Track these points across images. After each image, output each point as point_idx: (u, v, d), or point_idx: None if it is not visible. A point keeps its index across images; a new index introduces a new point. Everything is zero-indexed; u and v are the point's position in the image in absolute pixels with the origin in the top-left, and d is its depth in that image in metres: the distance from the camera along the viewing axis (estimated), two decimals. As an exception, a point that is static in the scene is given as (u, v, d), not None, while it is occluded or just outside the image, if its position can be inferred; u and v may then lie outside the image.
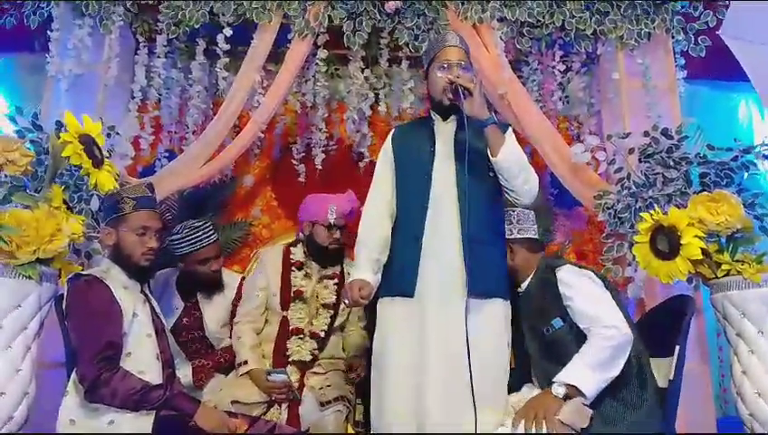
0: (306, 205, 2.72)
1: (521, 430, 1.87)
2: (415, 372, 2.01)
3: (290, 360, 2.50)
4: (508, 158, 2.02)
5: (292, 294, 2.60)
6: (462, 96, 1.99)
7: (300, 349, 2.53)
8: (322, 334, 2.57)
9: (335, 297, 2.63)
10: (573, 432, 1.84)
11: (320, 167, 3.06)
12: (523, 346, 2.18)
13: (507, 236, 2.18)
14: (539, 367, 2.09)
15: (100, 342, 1.87)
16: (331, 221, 2.59)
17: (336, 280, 2.66)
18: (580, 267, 2.13)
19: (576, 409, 1.86)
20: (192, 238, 2.58)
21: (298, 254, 2.68)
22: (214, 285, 2.70)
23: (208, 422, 1.90)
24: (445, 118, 2.17)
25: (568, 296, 2.02)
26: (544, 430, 1.84)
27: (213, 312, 2.69)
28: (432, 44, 2.21)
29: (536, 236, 2.22)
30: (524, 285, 2.19)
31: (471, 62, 2.18)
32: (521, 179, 2.05)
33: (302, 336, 2.55)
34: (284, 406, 2.38)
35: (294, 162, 3.20)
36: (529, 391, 2.07)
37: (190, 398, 1.99)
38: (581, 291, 2.02)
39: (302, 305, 2.60)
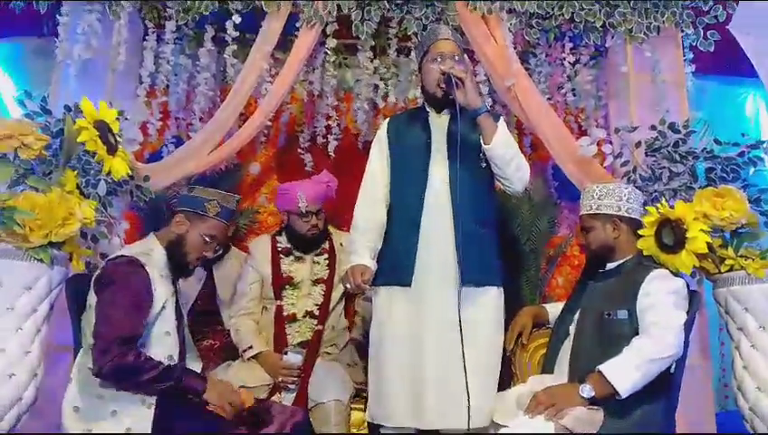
0: (278, 195, 2.75)
1: (539, 417, 1.86)
2: (413, 361, 2.07)
3: (292, 344, 2.52)
4: (500, 145, 2.06)
5: (282, 282, 2.62)
6: (455, 86, 2.03)
7: (298, 332, 2.56)
8: (317, 311, 2.59)
9: (328, 271, 2.66)
10: None
11: (333, 154, 3.07)
12: (561, 327, 2.18)
13: (615, 212, 2.13)
14: (579, 349, 2.06)
15: (126, 326, 1.86)
16: (302, 209, 2.58)
17: (326, 255, 2.70)
18: (674, 274, 2.09)
19: (585, 418, 1.85)
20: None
21: (284, 242, 2.71)
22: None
23: (217, 397, 1.89)
24: (439, 111, 2.21)
25: (644, 295, 1.99)
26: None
27: (223, 284, 2.76)
28: (425, 38, 2.26)
29: (640, 219, 2.18)
30: (611, 266, 2.15)
31: (464, 55, 2.21)
32: (513, 166, 2.10)
33: (296, 320, 2.58)
34: (293, 387, 2.41)
35: (301, 151, 3.20)
36: (539, 383, 2.07)
37: (197, 375, 1.98)
38: (661, 296, 1.98)
39: (292, 292, 2.62)
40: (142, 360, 1.83)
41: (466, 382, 1.96)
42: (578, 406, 1.87)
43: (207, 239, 2.02)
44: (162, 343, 1.96)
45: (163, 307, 1.96)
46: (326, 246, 2.71)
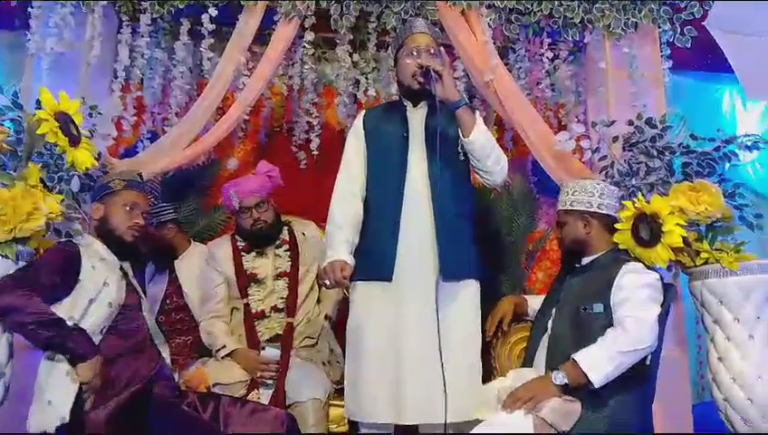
0: (221, 197, 2.72)
1: (518, 412, 1.87)
2: (392, 356, 2.05)
3: (263, 340, 2.51)
4: (480, 138, 2.05)
5: (247, 279, 2.59)
6: (433, 80, 2.01)
7: (268, 329, 2.54)
8: (282, 305, 2.57)
9: (290, 263, 2.62)
10: (554, 432, 1.84)
11: (315, 151, 3.04)
12: (541, 321, 2.20)
13: (586, 209, 2.16)
14: (556, 343, 2.08)
15: (29, 275, 1.90)
16: (236, 206, 2.58)
17: (287, 246, 2.66)
18: (648, 268, 2.11)
19: (561, 409, 1.87)
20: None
21: (242, 240, 2.68)
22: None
23: (87, 372, 1.88)
24: (415, 103, 2.20)
25: (618, 289, 2.01)
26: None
27: (188, 281, 2.75)
28: (401, 31, 2.25)
29: (616, 215, 2.20)
30: (586, 260, 2.18)
31: (440, 48, 2.19)
32: (492, 159, 2.09)
33: (265, 316, 2.56)
34: (270, 383, 2.39)
35: (294, 148, 3.19)
36: (518, 377, 2.08)
37: (92, 344, 1.92)
38: (634, 290, 2.00)
39: (258, 288, 2.59)
40: (31, 302, 1.85)
41: (443, 376, 1.94)
42: (554, 396, 1.88)
43: (128, 207, 2.10)
44: (100, 313, 1.98)
45: (106, 283, 2.01)
46: (286, 237, 2.68)
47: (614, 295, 2.01)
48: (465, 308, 2.12)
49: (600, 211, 2.17)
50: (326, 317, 2.69)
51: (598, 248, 2.17)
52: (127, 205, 2.10)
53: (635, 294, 1.99)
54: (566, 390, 1.91)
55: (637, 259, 2.15)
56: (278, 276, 2.61)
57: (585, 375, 1.88)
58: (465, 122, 2.05)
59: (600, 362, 1.89)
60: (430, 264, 2.08)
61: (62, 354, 1.87)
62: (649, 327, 1.94)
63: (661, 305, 2.03)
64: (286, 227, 2.71)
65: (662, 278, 2.12)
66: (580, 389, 1.90)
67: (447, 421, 1.94)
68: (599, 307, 2.02)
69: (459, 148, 2.11)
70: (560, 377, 1.90)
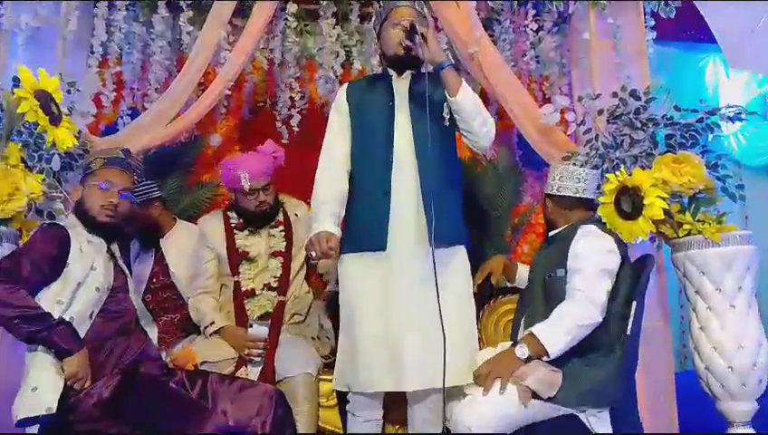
0: (222, 171, 2.65)
1: (496, 388, 1.90)
2: (388, 325, 2.06)
3: (252, 318, 2.51)
4: (467, 97, 2.05)
5: (238, 257, 2.58)
6: (418, 44, 2.01)
7: (259, 306, 2.54)
8: (275, 283, 2.57)
9: (285, 243, 2.62)
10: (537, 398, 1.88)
11: (296, 128, 3.02)
12: (525, 294, 2.26)
13: (549, 191, 2.26)
14: (533, 314, 2.12)
15: (13, 263, 1.86)
16: (246, 187, 2.52)
17: (281, 227, 2.65)
18: (605, 231, 2.14)
19: (547, 379, 1.90)
20: None
21: (236, 217, 2.65)
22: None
23: (75, 367, 1.85)
24: (400, 73, 2.20)
25: (573, 256, 2.05)
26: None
27: (175, 258, 2.72)
28: (384, 7, 2.23)
29: (578, 195, 2.22)
30: (553, 233, 2.25)
31: (424, 18, 2.17)
32: (479, 121, 2.09)
33: (255, 295, 2.55)
34: (258, 360, 2.39)
35: (278, 123, 3.14)
36: (503, 348, 2.10)
37: (77, 339, 1.88)
38: (587, 260, 2.03)
39: (249, 266, 2.58)
40: (15, 296, 1.82)
41: (444, 341, 1.95)
42: (521, 367, 1.92)
43: (103, 186, 2.04)
44: (88, 298, 1.95)
45: (93, 267, 1.97)
46: (280, 217, 2.66)
47: (570, 260, 2.05)
48: (457, 273, 2.14)
49: (559, 193, 2.23)
50: (329, 287, 2.70)
51: (562, 224, 2.23)
52: (101, 184, 2.04)
53: (589, 264, 2.02)
54: (527, 359, 1.95)
55: (592, 220, 2.19)
56: (273, 255, 2.60)
57: (543, 347, 1.94)
58: (451, 83, 2.04)
59: (556, 335, 1.95)
60: (420, 231, 2.08)
61: (48, 348, 1.84)
62: (597, 305, 1.98)
63: (621, 266, 2.06)
64: (280, 208, 2.70)
65: (621, 241, 2.14)
66: (540, 358, 1.96)
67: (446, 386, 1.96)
68: (561, 272, 2.07)
69: (446, 113, 2.10)
70: (521, 350, 1.95)
